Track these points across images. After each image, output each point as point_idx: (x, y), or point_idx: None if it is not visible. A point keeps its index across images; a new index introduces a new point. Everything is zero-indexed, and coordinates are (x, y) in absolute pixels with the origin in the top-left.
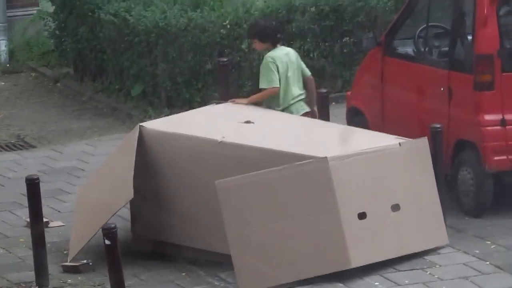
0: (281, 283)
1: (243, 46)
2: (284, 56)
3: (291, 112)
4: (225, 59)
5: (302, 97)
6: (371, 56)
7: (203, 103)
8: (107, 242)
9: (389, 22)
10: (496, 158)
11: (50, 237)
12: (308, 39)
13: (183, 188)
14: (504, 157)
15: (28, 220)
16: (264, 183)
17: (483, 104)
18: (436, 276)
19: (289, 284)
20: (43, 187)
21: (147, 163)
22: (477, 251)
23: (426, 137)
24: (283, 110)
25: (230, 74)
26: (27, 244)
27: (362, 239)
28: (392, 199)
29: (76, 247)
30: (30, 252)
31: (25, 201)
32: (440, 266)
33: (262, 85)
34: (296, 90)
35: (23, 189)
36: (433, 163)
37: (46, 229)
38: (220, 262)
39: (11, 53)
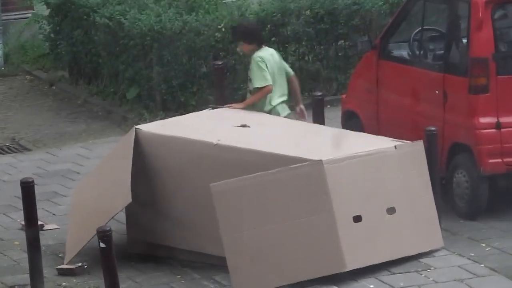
0: (276, 286)
1: (238, 49)
2: (270, 57)
3: (277, 113)
4: (220, 63)
5: (286, 98)
6: (366, 59)
7: (198, 106)
8: (102, 245)
9: (384, 25)
10: (491, 161)
11: (45, 240)
12: (303, 42)
13: (178, 190)
14: (499, 160)
15: (23, 223)
16: (259, 186)
17: (478, 107)
18: (431, 279)
19: (284, 287)
20: (38, 190)
21: (143, 166)
22: (472, 254)
23: (421, 140)
24: (269, 111)
25: (225, 77)
26: (22, 247)
27: (357, 242)
28: (387, 202)
29: (72, 250)
30: (25, 255)
31: (20, 204)
32: (435, 268)
33: (256, 84)
34: (281, 90)
35: (18, 192)
36: (428, 166)
37: (41, 232)
38: (215, 264)
39: (6, 56)
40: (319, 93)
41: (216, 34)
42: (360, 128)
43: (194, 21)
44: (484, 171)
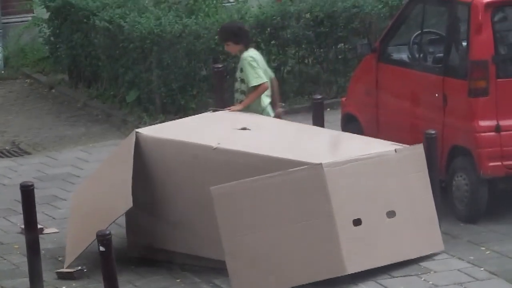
0: None
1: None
2: (258, 56)
3: (268, 114)
4: (220, 66)
5: (270, 99)
6: (365, 62)
7: (198, 109)
8: (101, 248)
9: (384, 28)
10: (490, 164)
11: (44, 243)
12: (303, 46)
13: (178, 194)
14: (499, 163)
15: (23, 226)
16: (260, 189)
17: (478, 110)
18: (430, 282)
19: None
20: (37, 194)
21: (143, 169)
22: (471, 257)
23: (421, 144)
24: (261, 112)
25: (225, 81)
26: (22, 250)
27: (357, 245)
28: (387, 205)
29: (72, 254)
30: (25, 259)
31: (19, 207)
32: (435, 272)
33: (253, 83)
34: (268, 91)
35: (18, 195)
36: (427, 169)
37: (40, 236)
38: (215, 268)
39: (6, 59)
40: (319, 96)
41: (216, 37)
42: (360, 131)
43: (194, 24)
44: (484, 174)
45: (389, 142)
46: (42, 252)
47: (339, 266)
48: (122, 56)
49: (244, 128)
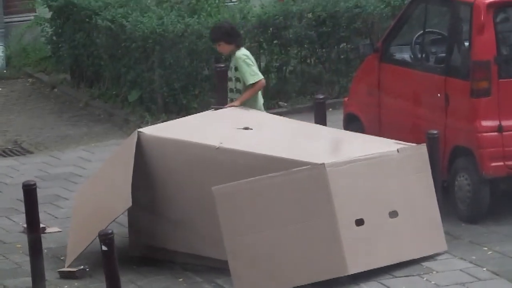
0: None
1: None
2: (250, 55)
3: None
4: (222, 65)
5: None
6: (368, 62)
7: (200, 109)
8: (104, 248)
9: (386, 29)
10: (492, 164)
11: (46, 243)
12: (305, 45)
13: (180, 193)
14: (501, 163)
15: (25, 226)
16: (262, 189)
17: (480, 111)
18: (433, 283)
19: None
20: (40, 193)
21: (145, 169)
22: (473, 257)
23: (425, 144)
24: (259, 109)
25: (227, 80)
26: (24, 250)
27: (359, 245)
28: (390, 205)
29: (73, 253)
30: (27, 258)
31: (22, 207)
32: (437, 272)
33: (250, 81)
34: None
35: (20, 195)
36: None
37: (42, 235)
38: (216, 268)
39: (8, 59)
40: (321, 96)
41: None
42: (362, 131)
43: (196, 24)
44: (486, 174)
45: (392, 141)
46: (44, 251)
47: (341, 267)
48: (124, 56)
49: (246, 128)
